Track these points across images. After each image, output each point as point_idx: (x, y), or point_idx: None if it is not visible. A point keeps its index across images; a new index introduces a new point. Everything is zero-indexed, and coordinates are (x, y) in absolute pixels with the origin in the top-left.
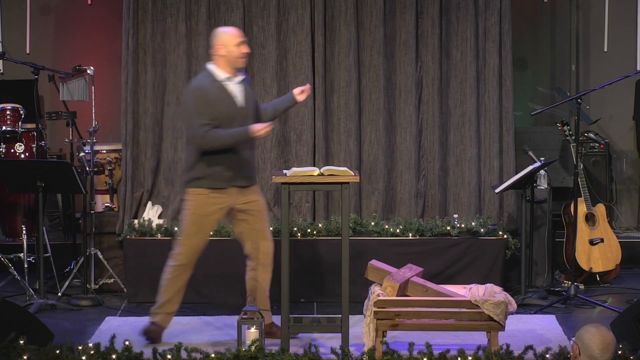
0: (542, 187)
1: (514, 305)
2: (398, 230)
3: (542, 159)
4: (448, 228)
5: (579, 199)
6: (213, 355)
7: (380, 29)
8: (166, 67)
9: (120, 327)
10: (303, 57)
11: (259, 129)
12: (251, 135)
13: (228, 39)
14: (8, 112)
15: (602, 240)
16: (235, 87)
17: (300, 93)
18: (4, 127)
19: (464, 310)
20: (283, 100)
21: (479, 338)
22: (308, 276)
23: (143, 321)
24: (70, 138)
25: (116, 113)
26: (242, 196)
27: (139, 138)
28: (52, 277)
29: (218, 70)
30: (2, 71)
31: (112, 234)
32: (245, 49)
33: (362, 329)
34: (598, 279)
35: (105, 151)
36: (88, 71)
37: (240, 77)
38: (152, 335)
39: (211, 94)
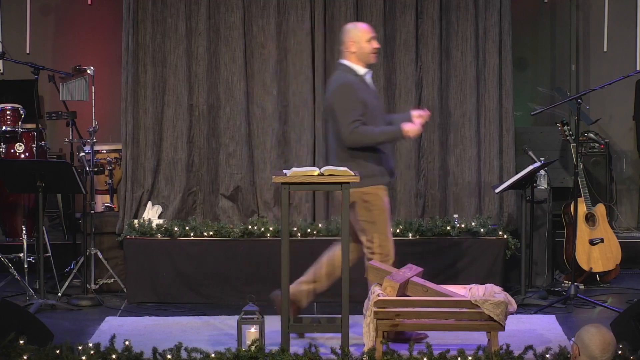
0: (542, 187)
1: (514, 305)
2: (398, 230)
3: (542, 159)
4: (448, 228)
5: (579, 199)
6: (213, 355)
7: (380, 29)
8: (166, 67)
9: (120, 327)
10: (303, 57)
11: (411, 128)
12: (403, 135)
13: (359, 35)
14: (8, 112)
15: (602, 240)
16: (370, 83)
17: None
18: (4, 127)
19: (464, 310)
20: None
21: (479, 338)
22: None
23: (143, 321)
24: (70, 138)
25: (116, 113)
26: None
27: (139, 138)
28: (52, 277)
29: (355, 66)
30: (2, 71)
31: (112, 234)
32: (376, 45)
33: (362, 329)
34: (598, 279)
35: (105, 151)
36: (88, 71)
37: (370, 73)
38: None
39: (359, 89)
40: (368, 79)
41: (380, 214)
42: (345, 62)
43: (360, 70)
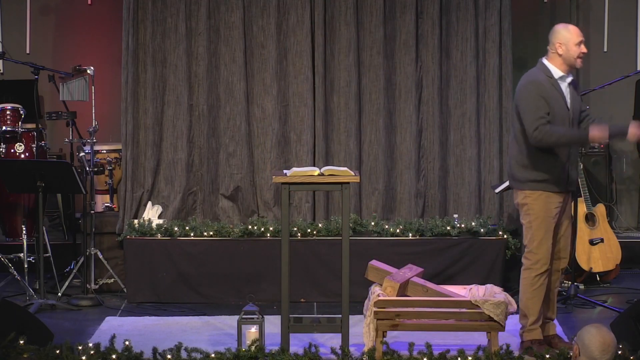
0: None
1: (514, 306)
2: (398, 230)
3: None
4: (448, 228)
5: (579, 199)
6: (213, 355)
7: (380, 29)
8: (166, 67)
9: (120, 327)
10: (303, 57)
11: (598, 135)
12: (589, 140)
13: (569, 38)
14: (8, 112)
15: (602, 240)
16: (565, 88)
17: None
18: (4, 127)
19: (464, 310)
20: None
21: (479, 338)
22: (308, 276)
23: (143, 321)
24: (70, 138)
25: (116, 113)
26: (567, 199)
27: (139, 138)
28: (52, 277)
29: (553, 68)
30: (2, 71)
31: (112, 234)
32: (584, 49)
33: (362, 329)
34: (598, 279)
35: (105, 151)
36: (88, 71)
37: (570, 78)
38: (539, 350)
39: (546, 90)
40: (563, 84)
41: (536, 220)
42: (545, 61)
43: (557, 73)
